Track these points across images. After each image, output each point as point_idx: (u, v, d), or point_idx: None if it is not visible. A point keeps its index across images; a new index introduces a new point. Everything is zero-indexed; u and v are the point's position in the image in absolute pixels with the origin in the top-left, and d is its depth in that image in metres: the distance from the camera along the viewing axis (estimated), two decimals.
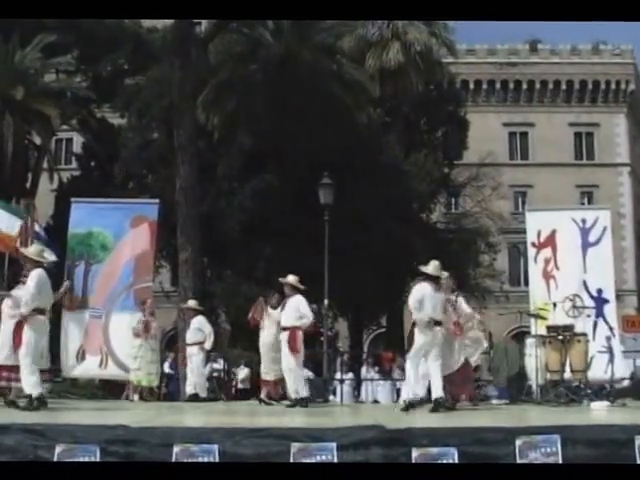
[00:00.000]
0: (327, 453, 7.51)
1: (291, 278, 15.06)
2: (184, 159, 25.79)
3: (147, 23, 40.71)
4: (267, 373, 16.54)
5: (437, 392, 12.43)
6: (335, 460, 7.47)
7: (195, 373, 18.48)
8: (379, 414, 12.57)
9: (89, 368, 19.29)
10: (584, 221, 18.95)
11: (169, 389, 25.46)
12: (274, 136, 30.89)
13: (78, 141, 46.22)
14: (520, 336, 24.01)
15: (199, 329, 18.30)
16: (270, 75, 31.55)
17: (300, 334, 14.70)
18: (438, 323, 12.72)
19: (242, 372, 26.15)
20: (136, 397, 18.17)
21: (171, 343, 30.39)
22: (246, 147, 32.40)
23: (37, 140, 36.78)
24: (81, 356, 18.98)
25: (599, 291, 18.44)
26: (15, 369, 12.40)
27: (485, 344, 15.98)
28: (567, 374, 15.74)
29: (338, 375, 24.97)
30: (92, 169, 40.38)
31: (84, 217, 20.40)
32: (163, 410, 13.06)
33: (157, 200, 21.85)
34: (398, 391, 24.11)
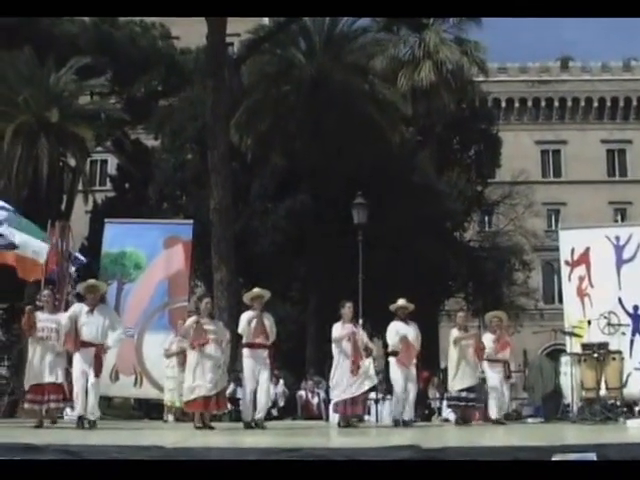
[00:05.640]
0: None
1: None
2: (218, 180, 25.86)
3: (180, 44, 41.10)
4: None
5: None
6: None
7: None
8: (415, 434, 12.52)
9: (124, 387, 19.35)
10: (618, 238, 18.84)
11: None
12: (307, 156, 31.01)
13: (112, 162, 46.62)
14: (555, 354, 23.89)
15: None
16: (303, 95, 31.72)
17: None
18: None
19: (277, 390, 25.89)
20: (170, 418, 18.15)
21: None
22: (279, 167, 32.52)
23: (72, 162, 37.02)
24: (115, 376, 18.99)
25: (635, 308, 18.28)
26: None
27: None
28: (603, 392, 15.64)
29: (373, 395, 24.80)
30: (126, 190, 40.70)
31: (117, 237, 20.59)
32: (198, 430, 13.06)
33: (191, 221, 22.00)
34: (433, 410, 23.99)
